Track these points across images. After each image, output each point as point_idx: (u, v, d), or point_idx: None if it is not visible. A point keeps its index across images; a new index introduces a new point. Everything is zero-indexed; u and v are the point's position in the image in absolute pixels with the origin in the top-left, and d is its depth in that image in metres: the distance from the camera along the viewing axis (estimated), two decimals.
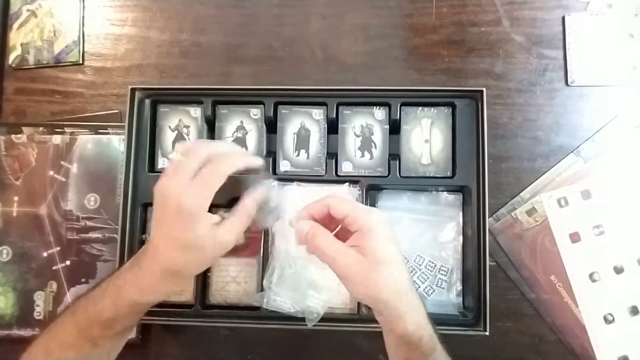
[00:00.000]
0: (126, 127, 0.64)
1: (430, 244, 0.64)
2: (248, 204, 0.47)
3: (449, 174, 0.64)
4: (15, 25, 0.73)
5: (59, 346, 0.47)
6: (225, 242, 0.45)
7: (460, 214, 0.65)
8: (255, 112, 0.66)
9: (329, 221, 0.45)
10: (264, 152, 0.66)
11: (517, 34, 0.69)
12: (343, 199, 0.45)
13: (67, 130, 0.69)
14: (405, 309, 0.43)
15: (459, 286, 0.64)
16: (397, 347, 0.45)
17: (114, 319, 0.46)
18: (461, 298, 0.64)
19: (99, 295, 0.47)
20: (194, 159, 0.45)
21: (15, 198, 0.68)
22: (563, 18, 0.69)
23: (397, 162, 0.64)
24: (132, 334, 0.65)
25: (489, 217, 0.62)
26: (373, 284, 0.42)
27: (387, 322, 0.44)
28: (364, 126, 0.65)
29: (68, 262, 0.67)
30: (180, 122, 0.67)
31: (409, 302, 0.43)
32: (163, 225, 0.45)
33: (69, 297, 0.67)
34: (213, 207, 0.45)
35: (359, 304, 0.61)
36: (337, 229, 0.46)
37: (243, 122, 0.66)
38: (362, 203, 0.62)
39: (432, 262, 0.64)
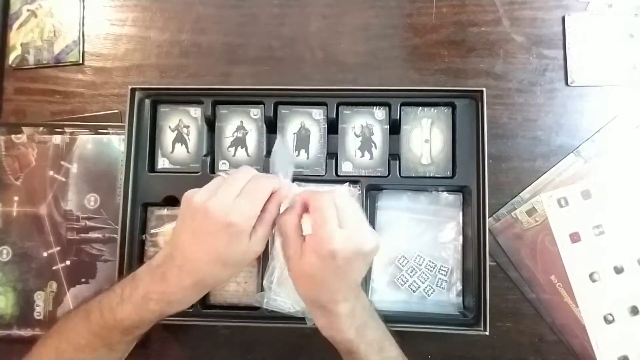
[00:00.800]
0: (126, 127, 0.64)
1: (430, 244, 0.64)
2: (272, 209, 0.47)
3: (449, 174, 0.64)
4: (15, 25, 0.73)
5: (73, 348, 0.47)
6: (257, 253, 0.47)
7: (460, 214, 0.65)
8: (255, 112, 0.66)
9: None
10: (264, 152, 0.66)
11: (517, 34, 0.69)
12: (320, 209, 0.44)
13: (67, 130, 0.69)
14: (318, 313, 0.47)
15: (459, 286, 0.64)
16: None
17: (137, 327, 0.47)
18: (461, 298, 0.64)
19: (115, 302, 0.46)
20: (240, 177, 0.46)
21: (15, 198, 0.68)
22: (563, 18, 0.69)
23: (397, 162, 0.64)
24: None
25: (489, 217, 0.62)
26: (298, 284, 0.47)
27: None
28: (364, 126, 0.65)
29: (68, 262, 0.67)
30: (180, 122, 0.67)
31: (323, 311, 0.46)
32: (203, 240, 0.44)
33: (69, 297, 0.67)
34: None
35: None
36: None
37: (243, 122, 0.66)
38: (362, 203, 0.62)
39: (432, 262, 0.64)
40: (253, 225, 0.45)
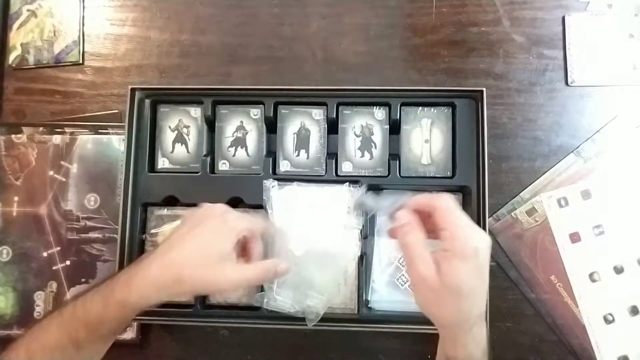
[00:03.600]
0: (126, 127, 0.64)
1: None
2: (269, 269, 0.48)
3: (449, 174, 0.64)
4: (15, 25, 0.73)
5: (42, 348, 0.46)
6: (226, 278, 0.45)
7: None
8: (255, 112, 0.66)
9: (429, 216, 0.43)
10: (264, 152, 0.66)
11: (517, 34, 0.69)
12: (450, 210, 0.42)
13: (67, 130, 0.69)
14: (463, 339, 0.41)
15: None
16: None
17: (101, 320, 0.45)
18: None
19: (89, 298, 0.46)
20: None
21: (15, 198, 0.68)
22: (563, 18, 0.69)
23: (397, 162, 0.64)
24: (132, 334, 0.65)
25: (489, 217, 0.62)
26: (437, 307, 0.41)
27: (442, 341, 0.43)
28: (364, 126, 0.65)
29: (68, 262, 0.67)
30: (180, 122, 0.67)
31: (468, 334, 0.41)
32: (198, 225, 0.46)
33: (68, 297, 0.66)
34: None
35: (359, 303, 0.61)
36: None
37: (243, 122, 0.66)
38: None
39: None
40: (242, 234, 0.46)
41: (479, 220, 0.61)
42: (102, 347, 0.50)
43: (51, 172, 0.69)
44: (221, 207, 0.48)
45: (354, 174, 0.64)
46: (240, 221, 0.47)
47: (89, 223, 0.68)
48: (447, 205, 0.42)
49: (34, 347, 0.46)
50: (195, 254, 0.44)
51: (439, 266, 0.40)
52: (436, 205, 0.42)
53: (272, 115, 0.65)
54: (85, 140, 0.69)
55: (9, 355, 0.46)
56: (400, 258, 0.64)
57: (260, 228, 0.49)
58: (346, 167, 0.65)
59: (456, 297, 0.40)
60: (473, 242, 0.40)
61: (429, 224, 0.43)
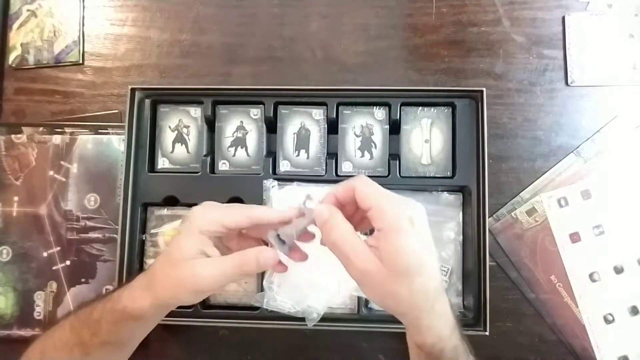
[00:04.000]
0: (126, 127, 0.64)
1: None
2: (248, 259, 0.41)
3: (449, 174, 0.64)
4: (15, 25, 0.73)
5: (54, 346, 0.46)
6: (196, 276, 0.40)
7: (460, 214, 0.65)
8: (255, 112, 0.66)
9: (355, 206, 0.39)
10: (264, 152, 0.66)
11: (517, 34, 0.69)
12: (370, 185, 0.38)
13: (67, 130, 0.69)
14: (426, 321, 0.38)
15: (459, 286, 0.64)
16: (417, 355, 0.41)
17: (98, 321, 0.45)
18: (461, 298, 0.64)
19: (97, 300, 0.47)
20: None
21: (15, 198, 0.68)
22: (563, 18, 0.69)
23: (397, 162, 0.64)
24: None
25: (489, 217, 0.62)
26: (390, 296, 0.37)
27: (407, 329, 0.40)
28: (364, 126, 0.65)
29: (68, 262, 0.67)
30: (180, 122, 0.67)
31: (431, 314, 0.37)
32: (172, 238, 0.45)
33: (69, 297, 0.67)
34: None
35: (358, 303, 0.61)
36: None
37: (243, 122, 0.66)
38: None
39: None
40: (208, 231, 0.42)
41: (479, 220, 0.61)
42: (108, 355, 0.47)
43: (51, 172, 0.69)
44: (197, 207, 0.44)
45: (354, 174, 0.64)
46: (205, 218, 0.42)
47: (89, 223, 0.68)
48: (363, 182, 0.38)
49: (47, 344, 0.47)
50: (162, 258, 0.44)
51: (379, 251, 0.36)
52: (354, 184, 0.38)
53: (272, 115, 0.65)
54: (85, 140, 0.69)
55: (28, 351, 0.47)
56: None
57: (236, 222, 0.42)
58: (346, 167, 0.65)
59: (407, 277, 0.36)
60: (404, 210, 0.36)
61: (358, 217, 0.40)
